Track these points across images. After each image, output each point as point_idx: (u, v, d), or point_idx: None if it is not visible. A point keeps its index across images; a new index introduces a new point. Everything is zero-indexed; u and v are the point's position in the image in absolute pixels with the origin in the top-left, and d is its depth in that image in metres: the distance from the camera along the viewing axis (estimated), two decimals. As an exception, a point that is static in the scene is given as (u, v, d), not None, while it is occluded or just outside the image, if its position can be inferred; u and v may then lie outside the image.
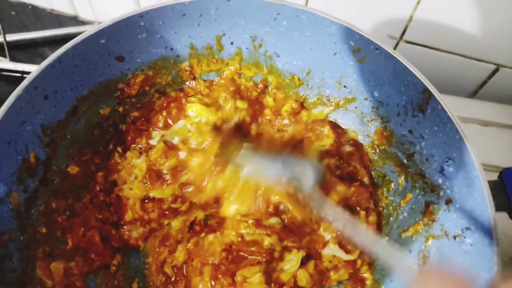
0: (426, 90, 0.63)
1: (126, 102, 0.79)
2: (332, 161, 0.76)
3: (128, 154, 0.77)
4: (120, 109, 0.78)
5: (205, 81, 0.83)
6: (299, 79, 0.81)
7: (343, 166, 0.77)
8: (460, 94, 1.16)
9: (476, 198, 0.57)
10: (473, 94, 1.24)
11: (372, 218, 0.74)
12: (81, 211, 0.73)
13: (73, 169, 0.73)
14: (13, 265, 0.60)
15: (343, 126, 0.83)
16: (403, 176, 0.73)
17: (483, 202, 0.55)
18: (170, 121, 0.81)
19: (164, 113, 0.81)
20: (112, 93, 0.76)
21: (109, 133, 0.79)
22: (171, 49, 0.77)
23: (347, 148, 0.79)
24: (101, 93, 0.74)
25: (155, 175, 0.77)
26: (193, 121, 0.80)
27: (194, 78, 0.82)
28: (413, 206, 0.71)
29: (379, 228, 0.75)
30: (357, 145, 0.80)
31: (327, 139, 0.80)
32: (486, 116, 1.05)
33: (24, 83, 0.60)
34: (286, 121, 0.84)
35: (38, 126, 0.65)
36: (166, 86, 0.81)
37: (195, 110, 0.80)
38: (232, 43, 0.79)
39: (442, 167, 0.64)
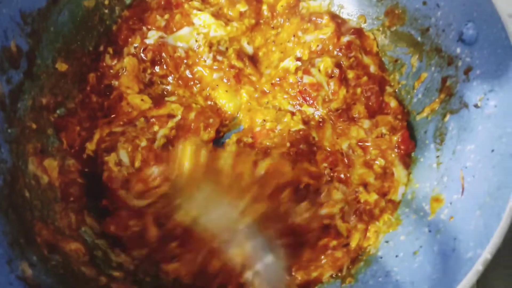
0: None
1: (112, -6, 0.72)
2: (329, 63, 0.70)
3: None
4: (106, 1, 0.72)
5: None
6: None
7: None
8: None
9: (501, 53, 0.52)
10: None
11: (393, 103, 0.69)
12: (74, 111, 0.68)
13: (61, 66, 0.68)
14: (2, 156, 0.56)
15: (347, 17, 0.77)
16: (417, 56, 0.68)
17: (509, 53, 0.50)
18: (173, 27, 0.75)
19: (166, 15, 0.75)
20: (96, -18, 0.69)
21: (97, 31, 0.73)
22: None
23: (347, 38, 0.72)
24: (84, -19, 0.68)
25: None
26: (200, 31, 0.74)
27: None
28: (428, 86, 0.66)
29: (405, 112, 0.70)
30: (358, 32, 0.74)
31: (327, 28, 0.74)
32: None
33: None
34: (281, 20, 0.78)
35: (16, 11, 0.59)
36: (155, -23, 0.75)
37: (202, 20, 0.74)
38: None
39: (461, 33, 0.58)
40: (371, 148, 0.66)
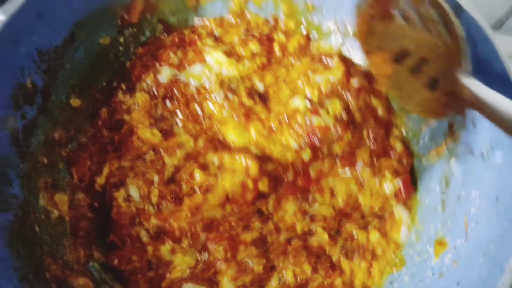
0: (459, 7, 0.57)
1: (127, 32, 0.74)
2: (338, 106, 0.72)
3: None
4: (121, 39, 0.74)
5: (215, 19, 0.79)
6: (313, 7, 0.76)
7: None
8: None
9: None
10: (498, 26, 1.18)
11: (399, 146, 0.70)
12: (85, 145, 0.70)
13: (75, 102, 0.69)
14: (14, 192, 0.57)
15: (357, 59, 0.78)
16: (424, 99, 0.69)
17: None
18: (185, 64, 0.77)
19: (179, 53, 0.77)
20: (112, 21, 0.72)
21: (111, 68, 0.74)
22: (174, -29, 0.72)
23: (356, 82, 0.74)
24: (100, 20, 0.70)
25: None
26: (212, 69, 0.76)
27: (198, 5, 0.77)
28: (435, 130, 0.67)
29: (410, 153, 0.71)
30: (368, 75, 0.75)
31: (336, 70, 0.75)
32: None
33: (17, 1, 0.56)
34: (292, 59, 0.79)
35: (33, 49, 0.61)
36: (170, 15, 0.77)
37: (215, 58, 0.76)
38: (238, -35, 0.74)
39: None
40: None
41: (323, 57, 0.77)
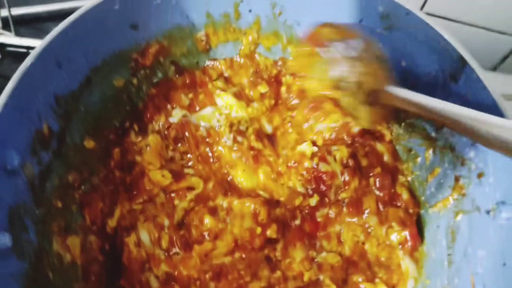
0: (461, 58, 0.59)
1: (140, 74, 0.76)
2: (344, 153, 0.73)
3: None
4: (135, 81, 0.75)
5: (225, 60, 0.80)
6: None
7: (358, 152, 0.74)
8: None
9: (513, 170, 0.54)
10: (493, 68, 1.21)
11: (405, 194, 0.71)
12: (98, 187, 0.71)
13: (89, 144, 0.70)
14: (29, 238, 0.58)
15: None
16: (431, 150, 0.70)
17: (522, 174, 0.52)
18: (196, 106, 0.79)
19: (190, 94, 0.78)
20: (126, 64, 0.73)
21: (124, 109, 0.76)
22: (187, 16, 0.74)
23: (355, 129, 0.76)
24: (115, 64, 0.71)
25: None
26: (222, 112, 0.77)
27: (210, 49, 0.79)
28: (441, 181, 0.68)
29: (416, 202, 0.72)
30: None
31: (334, 115, 0.76)
32: (510, 89, 1.01)
33: (37, 49, 0.58)
34: (295, 101, 0.81)
35: (51, 95, 0.62)
36: (182, 57, 0.78)
37: (225, 101, 0.78)
38: (250, 11, 0.75)
39: (475, 139, 0.61)
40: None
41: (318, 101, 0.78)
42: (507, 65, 1.18)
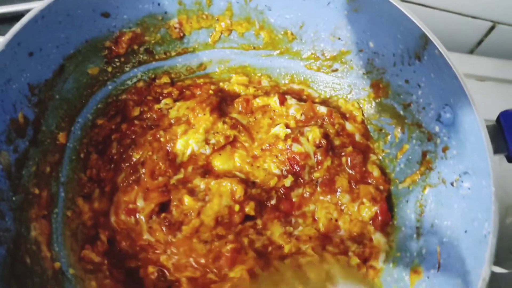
0: (423, 35, 0.61)
1: (115, 62, 0.76)
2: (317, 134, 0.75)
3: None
4: (109, 69, 0.76)
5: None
6: (292, 34, 0.79)
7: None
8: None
9: (473, 141, 0.56)
10: (469, 52, 1.23)
11: (376, 172, 0.73)
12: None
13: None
14: (7, 225, 0.59)
15: (336, 87, 0.82)
16: (400, 128, 0.72)
17: (481, 145, 0.54)
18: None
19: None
20: (99, 52, 0.74)
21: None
22: (158, 4, 0.74)
23: (321, 109, 0.78)
24: (88, 52, 0.72)
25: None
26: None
27: (183, 36, 0.80)
28: (410, 157, 0.70)
29: (387, 179, 0.74)
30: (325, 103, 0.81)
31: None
32: (483, 71, 1.03)
33: (7, 38, 0.58)
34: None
35: (25, 84, 0.63)
36: (156, 45, 0.79)
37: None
38: (221, -3, 0.76)
39: (439, 114, 0.63)
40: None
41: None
42: (483, 48, 1.21)
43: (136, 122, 0.75)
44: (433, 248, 0.60)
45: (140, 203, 0.69)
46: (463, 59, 1.05)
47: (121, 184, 0.71)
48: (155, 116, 0.76)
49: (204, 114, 0.74)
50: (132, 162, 0.72)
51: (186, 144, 0.73)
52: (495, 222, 0.50)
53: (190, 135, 0.73)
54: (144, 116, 0.76)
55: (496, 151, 0.56)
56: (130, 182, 0.71)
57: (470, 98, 0.56)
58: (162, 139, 0.73)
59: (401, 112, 0.72)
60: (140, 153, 0.72)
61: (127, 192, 0.70)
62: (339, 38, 0.76)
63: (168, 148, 0.74)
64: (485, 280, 0.48)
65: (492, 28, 1.14)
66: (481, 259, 0.50)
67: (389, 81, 0.73)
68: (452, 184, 0.61)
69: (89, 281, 0.65)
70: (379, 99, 0.75)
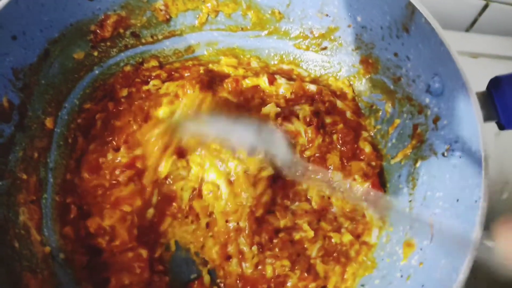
0: (409, 4, 0.60)
1: (101, 46, 0.76)
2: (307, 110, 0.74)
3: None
4: (95, 53, 0.75)
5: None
6: (279, 13, 0.78)
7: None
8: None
9: (463, 108, 0.55)
10: (466, 31, 1.22)
11: (368, 148, 0.72)
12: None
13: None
14: (-6, 210, 0.59)
15: (326, 65, 0.81)
16: (390, 103, 0.71)
17: (470, 110, 0.53)
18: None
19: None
20: (85, 36, 0.73)
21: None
22: (143, -15, 0.74)
23: (311, 87, 0.77)
24: (73, 36, 0.71)
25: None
26: None
27: (170, 19, 0.79)
28: (401, 131, 0.69)
29: (379, 155, 0.73)
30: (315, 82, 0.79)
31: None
32: (476, 48, 1.02)
33: (-13, 20, 0.58)
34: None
35: (8, 69, 0.63)
36: (142, 28, 0.78)
37: None
38: (207, -23, 0.75)
39: (429, 85, 0.62)
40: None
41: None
42: (478, 26, 1.20)
43: (123, 101, 0.75)
44: (426, 219, 0.60)
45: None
46: (456, 37, 1.04)
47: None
48: (143, 96, 0.75)
49: (194, 91, 0.73)
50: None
51: (171, 114, 0.72)
52: (485, 186, 0.50)
53: (176, 105, 0.72)
54: (132, 96, 0.76)
55: (487, 118, 0.55)
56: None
57: (457, 64, 0.55)
58: (145, 108, 0.73)
59: (392, 87, 0.71)
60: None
61: (96, 151, 0.70)
62: (327, 15, 0.75)
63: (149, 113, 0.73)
64: (476, 244, 0.48)
65: (485, 6, 1.13)
66: (472, 224, 0.49)
67: (378, 55, 0.72)
68: (443, 154, 0.60)
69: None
70: (369, 75, 0.75)
